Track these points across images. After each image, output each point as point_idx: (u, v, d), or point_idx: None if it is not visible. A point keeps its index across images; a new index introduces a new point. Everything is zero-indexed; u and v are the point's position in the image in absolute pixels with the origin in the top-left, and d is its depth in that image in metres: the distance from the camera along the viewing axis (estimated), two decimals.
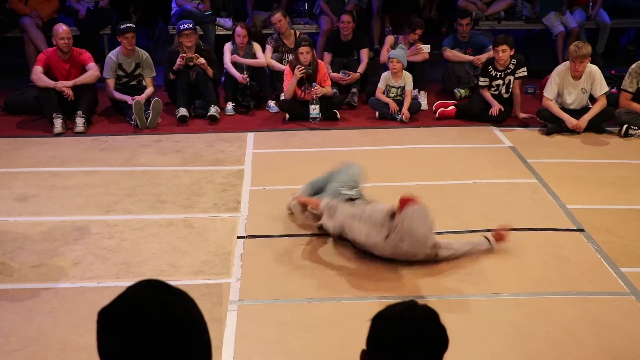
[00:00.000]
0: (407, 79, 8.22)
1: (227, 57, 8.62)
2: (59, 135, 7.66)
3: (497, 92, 8.17)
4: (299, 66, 8.00)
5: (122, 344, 1.56)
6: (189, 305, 1.64)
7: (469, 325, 4.20)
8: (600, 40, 10.23)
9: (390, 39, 9.02)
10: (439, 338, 1.93)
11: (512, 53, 8.04)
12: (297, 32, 9.12)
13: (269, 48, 8.92)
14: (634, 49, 10.91)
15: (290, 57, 8.60)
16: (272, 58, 8.86)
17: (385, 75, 8.29)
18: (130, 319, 1.57)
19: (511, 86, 8.14)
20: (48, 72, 7.99)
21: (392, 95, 8.27)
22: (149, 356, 1.55)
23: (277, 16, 8.92)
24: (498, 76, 8.13)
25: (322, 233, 5.35)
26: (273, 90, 8.84)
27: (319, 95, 8.03)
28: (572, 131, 7.64)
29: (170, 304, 1.60)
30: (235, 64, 8.60)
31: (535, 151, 7.17)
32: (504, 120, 8.06)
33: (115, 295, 1.63)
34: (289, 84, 8.08)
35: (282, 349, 4.03)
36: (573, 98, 7.81)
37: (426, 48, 8.88)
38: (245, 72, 8.54)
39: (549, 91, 7.80)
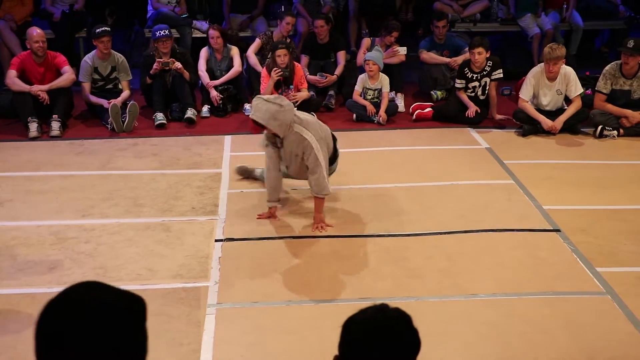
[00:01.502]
0: (384, 81, 8.24)
1: (202, 65, 8.59)
2: (34, 139, 7.59)
3: (473, 94, 8.22)
4: (275, 69, 7.99)
5: (64, 346, 1.54)
6: (127, 300, 1.63)
7: (446, 326, 4.22)
8: (573, 42, 10.33)
9: (366, 42, 9.04)
10: (411, 341, 1.92)
11: (487, 55, 8.10)
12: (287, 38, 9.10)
13: (257, 41, 8.96)
14: (607, 51, 11.00)
15: None
16: (255, 56, 8.87)
17: (362, 77, 8.31)
18: (70, 318, 1.56)
19: (487, 88, 8.19)
20: (22, 76, 7.92)
21: (369, 97, 8.29)
22: (90, 356, 1.54)
23: (293, 20, 8.98)
24: (474, 78, 8.18)
25: (300, 235, 5.37)
26: (250, 93, 8.82)
27: (296, 100, 7.99)
28: (548, 132, 7.71)
29: (108, 301, 1.60)
30: (211, 72, 8.59)
31: (511, 152, 7.22)
32: (481, 121, 8.12)
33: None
34: (266, 87, 8.07)
35: (260, 352, 4.03)
36: (548, 99, 7.87)
37: (402, 50, 8.91)
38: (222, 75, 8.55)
39: (525, 93, 7.85)
